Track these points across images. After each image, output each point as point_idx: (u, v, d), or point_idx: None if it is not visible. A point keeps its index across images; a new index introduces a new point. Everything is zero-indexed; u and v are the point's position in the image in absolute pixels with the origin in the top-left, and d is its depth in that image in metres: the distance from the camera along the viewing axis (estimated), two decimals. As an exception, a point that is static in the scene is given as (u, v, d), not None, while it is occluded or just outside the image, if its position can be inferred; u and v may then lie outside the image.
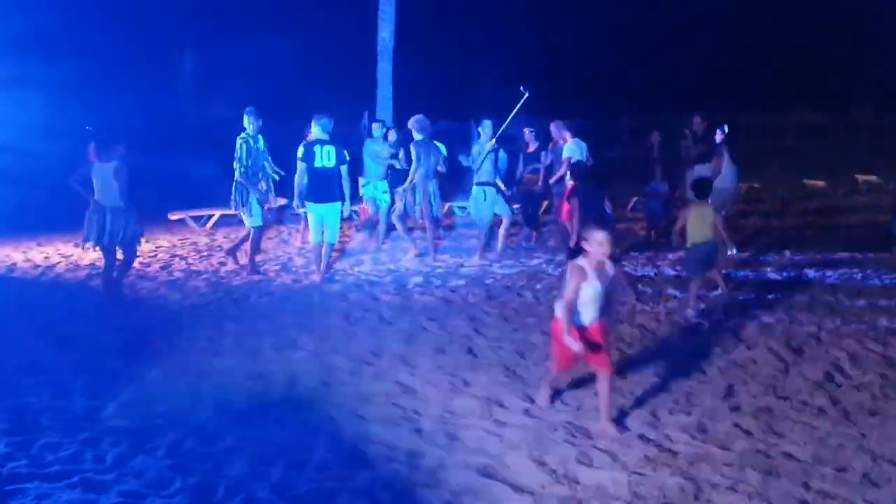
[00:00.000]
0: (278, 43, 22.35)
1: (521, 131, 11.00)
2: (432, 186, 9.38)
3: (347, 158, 8.51)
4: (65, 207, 14.06)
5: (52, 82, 18.10)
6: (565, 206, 9.92)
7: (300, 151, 8.36)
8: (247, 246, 9.08)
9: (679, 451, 4.05)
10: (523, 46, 24.70)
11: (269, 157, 8.74)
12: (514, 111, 9.92)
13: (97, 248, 7.66)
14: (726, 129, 9.49)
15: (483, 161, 9.67)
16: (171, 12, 21.70)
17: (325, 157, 8.31)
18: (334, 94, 18.57)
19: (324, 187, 8.36)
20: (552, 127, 10.55)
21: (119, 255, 7.80)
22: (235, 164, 8.58)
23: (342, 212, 8.58)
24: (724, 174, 9.49)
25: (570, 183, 9.73)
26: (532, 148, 11.02)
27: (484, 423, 4.48)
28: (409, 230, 9.90)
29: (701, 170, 9.55)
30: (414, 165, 9.26)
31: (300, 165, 8.37)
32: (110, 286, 7.74)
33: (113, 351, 5.96)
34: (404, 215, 9.64)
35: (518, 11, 25.72)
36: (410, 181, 9.31)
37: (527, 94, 9.94)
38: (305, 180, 8.35)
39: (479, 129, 9.87)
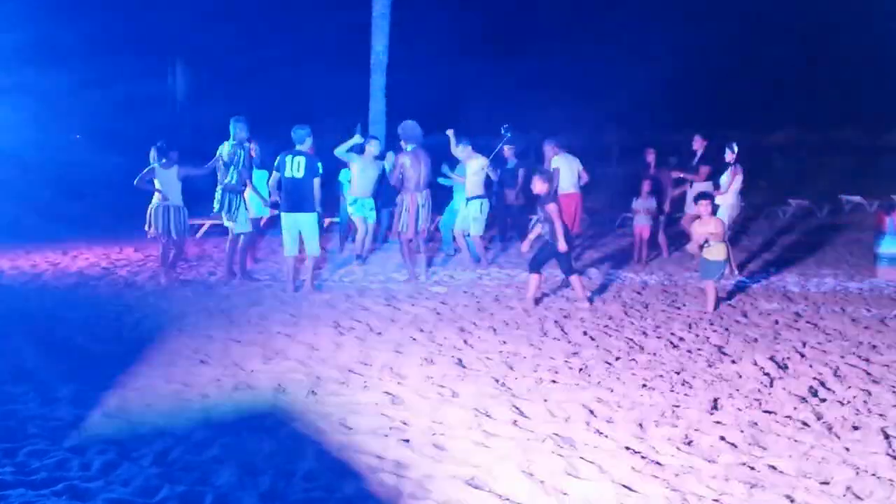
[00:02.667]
0: (272, 55, 22.42)
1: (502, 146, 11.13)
2: (422, 199, 8.89)
3: (320, 171, 8.37)
4: (53, 215, 14.07)
5: (43, 91, 18.06)
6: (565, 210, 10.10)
7: (276, 161, 8.48)
8: (237, 254, 9.20)
9: (665, 464, 4.07)
10: (517, 61, 24.89)
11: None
12: (496, 150, 10.21)
13: (164, 238, 8.96)
14: (735, 148, 9.53)
15: (472, 175, 9.80)
16: (165, 22, 21.74)
17: (295, 167, 8.28)
18: (328, 106, 18.64)
19: (292, 197, 8.33)
20: (545, 145, 10.65)
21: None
22: (231, 171, 8.70)
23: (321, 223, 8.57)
24: (736, 191, 9.55)
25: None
26: (510, 165, 11.15)
27: (472, 433, 4.49)
28: (411, 254, 9.22)
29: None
30: (404, 178, 8.80)
31: (274, 174, 8.50)
32: (170, 272, 9.11)
33: (100, 359, 5.94)
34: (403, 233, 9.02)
35: (512, 26, 25.94)
36: (400, 196, 8.92)
37: (508, 136, 10.25)
38: (278, 190, 8.46)
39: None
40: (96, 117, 20.10)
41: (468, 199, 9.84)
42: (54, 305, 7.94)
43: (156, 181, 8.78)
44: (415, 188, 8.82)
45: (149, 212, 8.85)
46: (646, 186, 10.41)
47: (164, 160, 8.73)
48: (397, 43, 15.12)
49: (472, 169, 9.80)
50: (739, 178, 9.53)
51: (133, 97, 19.92)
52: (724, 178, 9.59)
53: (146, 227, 8.94)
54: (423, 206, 8.92)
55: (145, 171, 8.79)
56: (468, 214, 9.88)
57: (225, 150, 8.77)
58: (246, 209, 8.97)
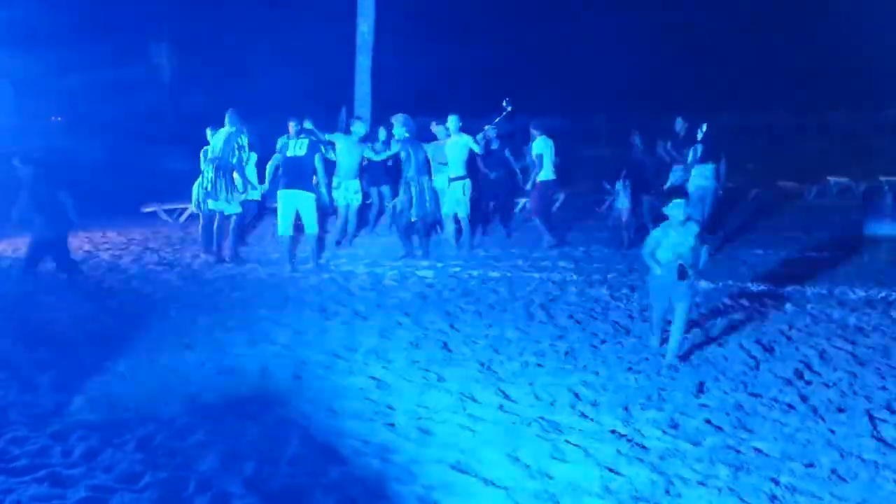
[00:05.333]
0: (256, 36, 22.17)
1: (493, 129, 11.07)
2: (427, 183, 9.18)
3: (323, 150, 8.71)
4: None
5: (23, 74, 17.81)
6: (536, 199, 10.09)
7: (278, 144, 8.73)
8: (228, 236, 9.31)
9: (650, 447, 4.07)
10: (504, 43, 24.76)
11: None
12: (496, 120, 10.19)
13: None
14: (704, 127, 9.55)
15: (455, 155, 9.73)
16: (151, 3, 21.44)
17: (297, 147, 8.50)
18: (312, 88, 18.47)
19: (292, 175, 8.48)
20: (532, 129, 10.60)
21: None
22: (233, 153, 8.86)
23: (318, 200, 8.67)
24: (705, 172, 9.56)
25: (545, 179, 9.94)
26: (494, 146, 11.09)
27: (457, 417, 4.48)
28: (408, 234, 9.40)
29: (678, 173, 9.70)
30: (405, 165, 9.07)
31: (275, 156, 8.71)
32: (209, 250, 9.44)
33: (82, 344, 5.89)
34: (400, 216, 9.31)
35: (499, 8, 25.77)
36: (405, 180, 9.15)
37: (509, 108, 10.21)
38: (279, 170, 8.64)
39: (446, 125, 9.88)
40: (78, 101, 19.86)
41: (451, 180, 9.74)
42: (36, 290, 7.85)
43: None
44: (417, 174, 9.05)
45: (194, 190, 9.40)
46: (624, 173, 10.37)
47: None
48: (383, 24, 14.98)
49: (455, 149, 9.71)
50: (701, 155, 9.55)
51: (118, 80, 19.68)
52: (691, 155, 9.63)
53: (192, 206, 9.87)
54: (428, 191, 9.19)
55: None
56: (452, 196, 9.80)
57: (221, 133, 8.89)
58: (237, 190, 9.05)
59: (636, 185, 10.28)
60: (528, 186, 10.50)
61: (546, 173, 10.17)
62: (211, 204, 9.07)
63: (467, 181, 9.87)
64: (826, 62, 24.39)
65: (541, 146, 10.14)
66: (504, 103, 10.33)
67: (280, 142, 9.56)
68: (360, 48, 14.73)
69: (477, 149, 9.82)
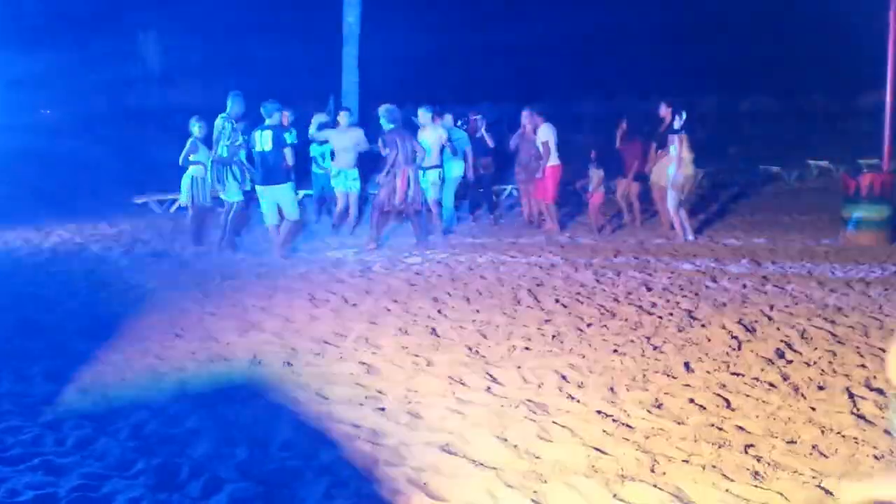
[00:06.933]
0: (244, 27, 22.04)
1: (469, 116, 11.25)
2: (411, 172, 9.17)
3: (287, 142, 8.62)
4: (26, 193, 13.85)
5: (13, 66, 17.63)
6: (548, 186, 10.13)
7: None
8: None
9: (636, 426, 4.14)
10: (489, 31, 24.72)
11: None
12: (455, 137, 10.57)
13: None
14: (684, 115, 9.61)
15: (431, 145, 9.87)
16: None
17: (263, 141, 8.51)
18: (300, 78, 18.42)
19: (265, 171, 8.61)
20: (524, 114, 10.66)
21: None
22: (220, 144, 8.90)
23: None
24: (685, 159, 9.64)
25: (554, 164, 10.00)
26: (479, 133, 11.18)
27: (446, 401, 4.54)
28: (382, 222, 9.57)
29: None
30: (391, 154, 9.10)
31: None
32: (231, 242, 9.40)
33: (75, 334, 5.91)
34: (381, 203, 9.33)
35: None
36: (388, 170, 9.17)
37: (484, 122, 10.65)
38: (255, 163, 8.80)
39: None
40: (68, 93, 19.72)
41: (424, 169, 9.83)
42: (27, 282, 7.86)
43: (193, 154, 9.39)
44: (405, 163, 9.06)
45: (184, 182, 9.49)
46: (592, 155, 10.48)
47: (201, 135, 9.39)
48: (369, 14, 14.96)
49: (431, 139, 9.85)
50: (686, 145, 9.59)
51: (107, 71, 19.54)
52: (674, 147, 9.65)
53: (183, 198, 9.83)
54: (413, 181, 9.19)
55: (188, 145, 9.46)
56: (425, 183, 9.92)
57: (217, 123, 8.96)
58: (235, 180, 9.06)
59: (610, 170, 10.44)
60: (538, 175, 10.52)
61: (553, 159, 10.29)
62: (217, 193, 9.20)
63: (440, 170, 10.07)
64: (806, 47, 24.53)
65: (546, 133, 10.22)
66: (479, 118, 10.66)
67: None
68: (347, 38, 14.73)
69: (449, 148, 10.11)
